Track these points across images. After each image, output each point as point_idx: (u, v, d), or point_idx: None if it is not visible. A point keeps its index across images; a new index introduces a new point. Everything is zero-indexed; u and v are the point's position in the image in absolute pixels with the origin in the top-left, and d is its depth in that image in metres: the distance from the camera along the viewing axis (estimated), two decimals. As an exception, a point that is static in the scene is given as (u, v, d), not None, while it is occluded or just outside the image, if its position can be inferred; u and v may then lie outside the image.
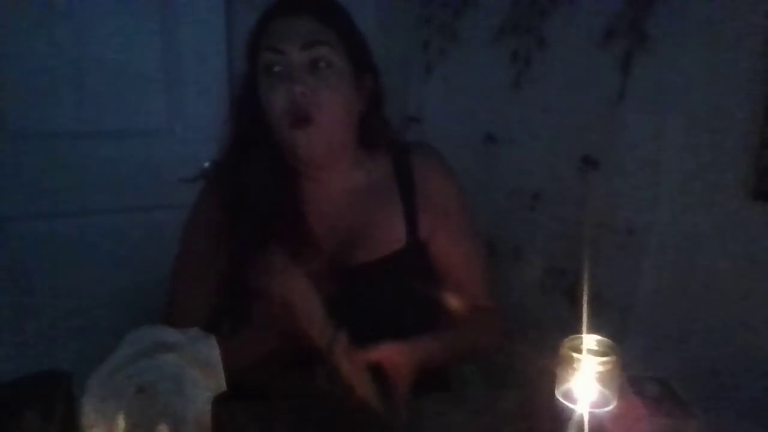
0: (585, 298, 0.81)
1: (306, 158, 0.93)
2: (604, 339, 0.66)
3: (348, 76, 0.91)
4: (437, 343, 0.88)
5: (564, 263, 1.45)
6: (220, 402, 0.63)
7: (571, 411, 0.64)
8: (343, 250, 0.96)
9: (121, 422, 0.57)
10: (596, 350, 0.66)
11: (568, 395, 0.65)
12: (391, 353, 0.78)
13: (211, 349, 0.63)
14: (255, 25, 0.92)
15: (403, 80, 1.81)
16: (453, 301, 0.95)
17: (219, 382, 0.63)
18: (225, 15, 1.66)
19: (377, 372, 0.78)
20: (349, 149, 0.97)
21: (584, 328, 0.67)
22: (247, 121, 0.94)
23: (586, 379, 0.64)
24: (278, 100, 0.87)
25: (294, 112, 0.86)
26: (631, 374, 0.73)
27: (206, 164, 1.65)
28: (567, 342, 0.66)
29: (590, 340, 0.66)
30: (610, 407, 0.64)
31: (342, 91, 0.89)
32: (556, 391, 0.66)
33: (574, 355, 0.64)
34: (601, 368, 0.64)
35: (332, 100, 0.88)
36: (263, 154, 0.93)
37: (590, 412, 0.64)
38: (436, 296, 0.95)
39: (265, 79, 0.89)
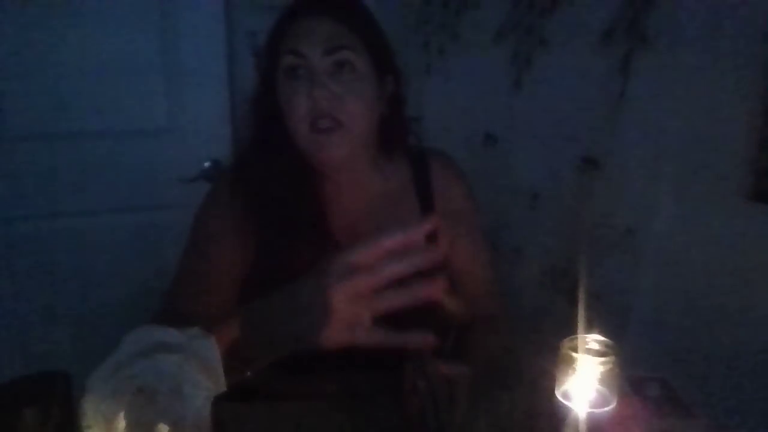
0: (585, 298, 0.81)
1: (325, 162, 0.92)
2: (604, 339, 0.66)
3: (370, 80, 0.89)
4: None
5: (564, 263, 1.45)
6: (220, 402, 0.63)
7: (571, 411, 0.64)
8: None
9: (120, 423, 0.57)
10: (596, 350, 0.66)
11: (568, 395, 0.65)
12: (460, 371, 0.77)
13: (211, 349, 0.63)
14: (275, 24, 0.90)
15: (403, 80, 1.81)
16: (467, 308, 0.94)
17: (219, 382, 0.63)
18: (225, 15, 1.66)
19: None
20: (369, 152, 0.96)
21: (584, 328, 0.67)
22: (265, 120, 0.93)
23: (585, 379, 0.64)
24: (299, 105, 0.86)
25: (315, 116, 0.85)
26: (631, 374, 0.73)
27: (206, 164, 1.65)
28: (567, 342, 0.66)
29: (590, 340, 0.66)
30: (610, 407, 0.64)
31: (364, 96, 0.88)
32: (556, 391, 0.66)
33: (574, 355, 0.64)
34: (600, 368, 0.64)
35: (354, 105, 0.87)
36: (283, 154, 0.92)
37: (590, 412, 0.64)
38: (449, 304, 0.95)
39: (285, 81, 0.87)
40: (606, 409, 0.64)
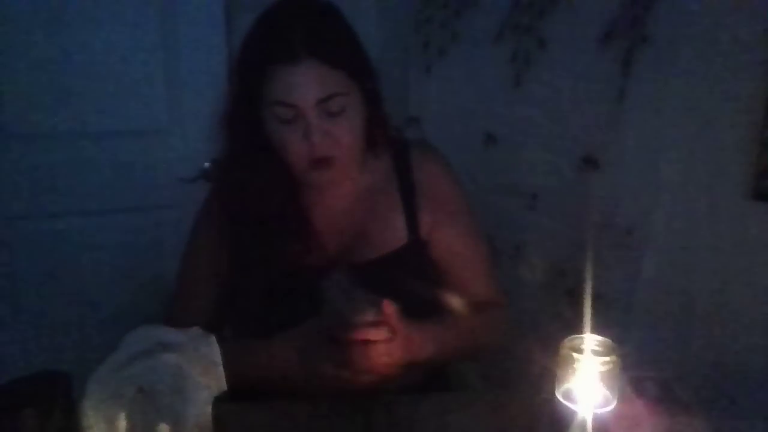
0: (586, 298, 0.81)
1: (324, 188, 0.95)
2: (605, 339, 0.66)
3: (359, 105, 0.89)
4: (440, 331, 0.89)
5: (564, 263, 1.45)
6: (220, 402, 0.63)
7: (572, 411, 0.64)
8: (345, 249, 0.97)
9: (121, 423, 0.57)
10: (597, 350, 0.65)
11: (568, 395, 0.65)
12: (402, 325, 0.80)
13: (212, 349, 0.64)
14: (255, 60, 0.87)
15: (403, 80, 1.81)
16: (454, 298, 0.95)
17: (219, 382, 0.63)
18: (225, 15, 1.66)
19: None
20: (358, 160, 0.97)
21: (585, 328, 0.67)
22: (244, 134, 0.93)
23: (586, 380, 0.64)
24: (296, 149, 0.87)
25: (312, 155, 0.87)
26: (632, 374, 0.73)
27: (206, 164, 1.65)
28: (567, 342, 0.66)
29: (591, 340, 0.66)
30: (611, 407, 0.64)
31: (357, 125, 0.90)
32: (556, 392, 0.66)
33: (575, 355, 0.64)
34: (601, 368, 0.64)
35: (349, 137, 0.88)
36: (265, 160, 0.92)
37: (590, 413, 0.64)
38: (437, 293, 0.95)
39: (278, 126, 0.87)
40: (606, 409, 0.64)
